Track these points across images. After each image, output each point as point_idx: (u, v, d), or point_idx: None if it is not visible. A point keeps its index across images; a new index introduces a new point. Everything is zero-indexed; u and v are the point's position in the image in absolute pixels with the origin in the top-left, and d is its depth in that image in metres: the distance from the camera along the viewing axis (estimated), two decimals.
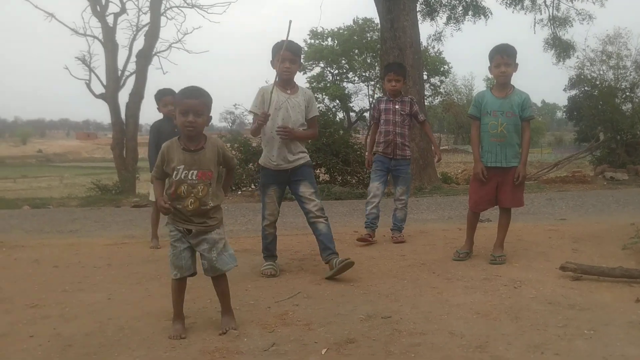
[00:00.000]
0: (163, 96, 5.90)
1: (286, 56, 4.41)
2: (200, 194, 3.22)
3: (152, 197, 5.50)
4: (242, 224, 7.48)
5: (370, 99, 39.55)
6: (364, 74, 39.07)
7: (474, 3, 16.39)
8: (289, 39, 4.35)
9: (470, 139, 4.84)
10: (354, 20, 38.60)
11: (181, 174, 3.20)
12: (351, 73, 38.46)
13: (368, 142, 6.19)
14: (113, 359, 2.83)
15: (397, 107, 5.63)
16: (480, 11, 16.50)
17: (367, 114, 37.86)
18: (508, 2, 16.13)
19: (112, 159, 16.21)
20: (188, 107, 3.15)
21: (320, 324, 3.26)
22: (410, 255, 5.06)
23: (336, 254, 4.35)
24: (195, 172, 3.21)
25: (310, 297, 3.83)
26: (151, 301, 3.83)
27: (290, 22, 4.43)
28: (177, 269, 3.29)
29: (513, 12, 16.82)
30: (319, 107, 12.69)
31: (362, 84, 39.33)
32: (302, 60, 4.88)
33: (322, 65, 39.48)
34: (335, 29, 38.30)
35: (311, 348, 2.91)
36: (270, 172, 4.58)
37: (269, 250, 4.72)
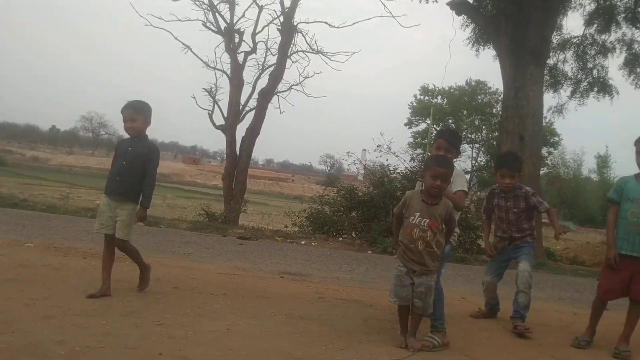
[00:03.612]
0: (124, 111, 4.81)
1: (441, 144, 4.47)
2: (428, 238, 3.95)
3: (97, 228, 4.74)
4: (347, 272, 7.50)
5: (473, 162, 39.02)
6: (469, 135, 38.67)
7: (601, 80, 15.91)
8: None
9: (607, 223, 4.60)
10: (466, 81, 38.59)
11: (417, 219, 3.98)
12: None
13: (484, 233, 5.68)
14: None
15: (509, 204, 5.10)
16: (606, 89, 15.97)
17: (467, 176, 37.27)
18: (639, 83, 15.54)
19: (213, 185, 16.83)
20: (438, 174, 3.96)
21: None
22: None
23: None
24: (427, 220, 3.97)
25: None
26: (268, 338, 3.91)
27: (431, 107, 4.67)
28: (397, 297, 4.03)
29: None
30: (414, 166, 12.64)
31: (466, 146, 38.85)
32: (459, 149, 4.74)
33: (428, 122, 39.50)
34: (447, 88, 38.36)
35: None
36: None
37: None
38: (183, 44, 14.79)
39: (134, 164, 4.69)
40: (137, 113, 4.77)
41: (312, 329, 4.23)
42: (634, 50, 15.35)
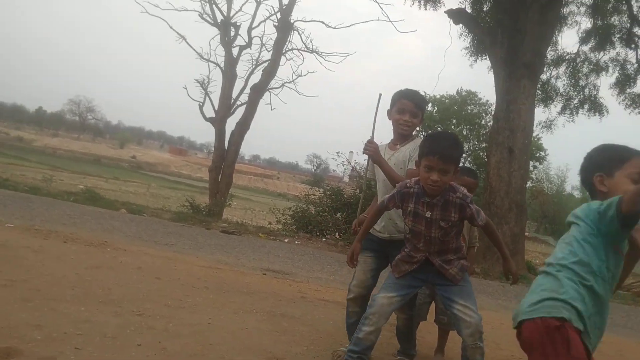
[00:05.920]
0: None
1: (406, 106, 3.61)
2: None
3: None
4: (330, 273, 7.47)
5: None
6: None
7: (592, 98, 16.02)
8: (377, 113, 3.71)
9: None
10: (457, 90, 38.68)
11: None
12: None
13: None
14: None
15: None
16: (597, 107, 16.08)
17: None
18: (628, 103, 15.66)
19: (198, 177, 16.75)
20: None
21: None
22: (505, 346, 4.85)
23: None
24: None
25: None
26: (248, 335, 3.85)
27: (380, 95, 3.72)
28: None
29: (630, 113, 16.29)
30: None
31: None
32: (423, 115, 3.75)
33: (418, 129, 39.46)
34: (438, 96, 38.42)
35: None
36: (371, 237, 3.60)
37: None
38: (178, 33, 14.72)
39: None
40: None
41: (294, 328, 4.18)
42: (626, 71, 15.49)
